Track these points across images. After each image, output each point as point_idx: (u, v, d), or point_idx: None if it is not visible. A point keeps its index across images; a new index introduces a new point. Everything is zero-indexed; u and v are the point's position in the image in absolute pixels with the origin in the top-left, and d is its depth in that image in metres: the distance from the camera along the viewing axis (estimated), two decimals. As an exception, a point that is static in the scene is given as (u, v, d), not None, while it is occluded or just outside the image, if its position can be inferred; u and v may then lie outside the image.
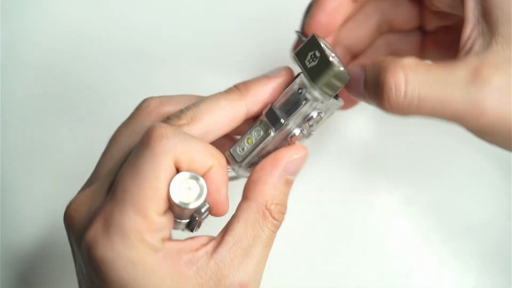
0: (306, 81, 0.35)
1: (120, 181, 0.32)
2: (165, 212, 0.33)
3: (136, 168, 0.32)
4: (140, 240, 0.32)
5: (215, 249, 0.34)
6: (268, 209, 0.35)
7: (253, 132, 0.37)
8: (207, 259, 0.34)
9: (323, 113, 0.36)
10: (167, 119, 0.35)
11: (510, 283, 0.47)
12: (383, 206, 0.51)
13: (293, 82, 0.36)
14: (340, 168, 0.52)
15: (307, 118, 0.36)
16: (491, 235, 0.49)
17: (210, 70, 0.56)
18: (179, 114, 0.35)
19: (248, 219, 0.35)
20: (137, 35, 0.58)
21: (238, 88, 0.36)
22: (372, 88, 0.35)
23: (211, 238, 0.35)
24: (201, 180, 0.33)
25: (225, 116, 0.35)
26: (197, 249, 0.34)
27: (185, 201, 0.33)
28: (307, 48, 0.35)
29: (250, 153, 0.37)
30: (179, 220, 0.35)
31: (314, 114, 0.36)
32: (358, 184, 0.52)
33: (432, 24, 0.42)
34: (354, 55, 0.43)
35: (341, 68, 0.34)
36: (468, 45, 0.35)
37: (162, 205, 0.32)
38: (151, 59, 0.57)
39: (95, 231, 0.32)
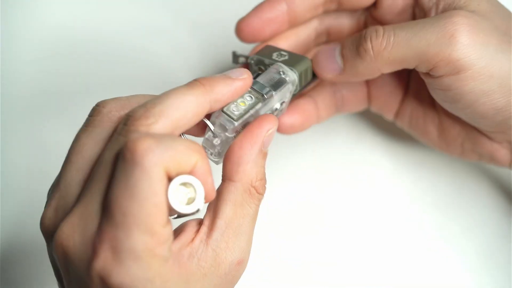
0: (286, 67, 0.40)
1: (115, 204, 0.31)
2: (168, 221, 0.32)
3: (131, 189, 0.31)
4: (152, 257, 0.32)
5: (208, 234, 0.35)
6: (254, 187, 0.36)
7: (245, 96, 0.37)
8: (204, 247, 0.34)
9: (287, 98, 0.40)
10: (131, 118, 0.33)
11: (510, 283, 0.47)
12: (383, 206, 0.51)
13: (271, 67, 0.40)
14: (339, 167, 0.52)
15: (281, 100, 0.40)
16: (491, 235, 0.49)
17: (208, 73, 0.56)
18: (144, 112, 0.33)
19: (237, 200, 0.35)
20: (137, 38, 0.58)
21: (202, 84, 0.35)
22: (350, 48, 0.40)
23: (199, 221, 0.35)
24: (195, 181, 0.33)
25: (191, 111, 0.34)
26: (192, 240, 0.34)
27: (187, 206, 0.33)
28: (267, 50, 0.41)
29: (245, 113, 0.37)
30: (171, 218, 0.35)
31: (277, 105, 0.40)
32: (358, 184, 0.52)
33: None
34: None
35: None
36: (432, 12, 0.40)
37: (165, 217, 0.32)
38: (150, 63, 0.57)
39: (105, 260, 0.31)
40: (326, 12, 0.45)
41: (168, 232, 0.32)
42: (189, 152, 0.33)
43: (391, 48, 0.38)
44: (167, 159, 0.31)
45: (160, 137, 0.32)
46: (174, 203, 0.32)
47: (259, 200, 0.36)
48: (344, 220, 0.51)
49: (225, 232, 0.35)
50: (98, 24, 0.59)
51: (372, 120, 0.53)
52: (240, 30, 0.43)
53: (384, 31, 0.38)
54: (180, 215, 0.34)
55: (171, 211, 0.33)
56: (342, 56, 0.41)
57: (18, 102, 0.56)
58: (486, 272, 0.48)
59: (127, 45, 0.58)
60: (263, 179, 0.36)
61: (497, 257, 0.48)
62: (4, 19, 0.58)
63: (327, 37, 0.47)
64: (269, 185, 0.37)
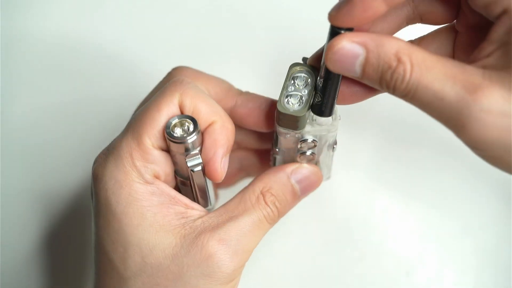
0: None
1: (133, 116, 0.36)
2: (161, 148, 0.36)
3: (146, 104, 0.36)
4: (130, 164, 0.35)
5: (207, 215, 0.36)
6: (263, 194, 0.37)
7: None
8: (197, 218, 0.36)
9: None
10: None
11: (510, 283, 0.47)
12: (383, 206, 0.51)
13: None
14: (340, 168, 0.52)
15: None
16: (491, 235, 0.49)
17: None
18: None
19: (243, 197, 0.37)
20: (136, 47, 0.58)
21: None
22: (374, 70, 0.32)
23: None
24: (195, 122, 0.35)
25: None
26: (192, 208, 0.36)
27: (176, 128, 0.35)
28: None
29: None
30: (180, 178, 0.37)
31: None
32: (358, 183, 0.52)
33: (463, 22, 0.36)
34: None
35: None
36: (486, 61, 0.32)
37: (157, 134, 0.35)
38: (149, 72, 0.57)
39: (100, 154, 0.36)
40: None
41: (156, 155, 0.35)
42: (211, 109, 0.36)
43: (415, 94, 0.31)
44: (186, 93, 0.36)
45: (197, 85, 0.38)
46: (167, 126, 0.35)
47: (267, 213, 0.37)
48: (343, 220, 0.51)
49: (221, 215, 0.36)
50: (100, 31, 0.59)
51: (374, 121, 0.53)
52: (335, 17, 0.33)
53: (412, 67, 0.31)
54: (171, 139, 0.35)
55: (169, 147, 0.36)
56: (363, 71, 0.33)
57: (18, 103, 0.56)
58: (486, 272, 0.48)
59: (138, 56, 0.58)
60: (277, 199, 0.38)
61: (497, 257, 0.48)
62: (6, 20, 0.59)
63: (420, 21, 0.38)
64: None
